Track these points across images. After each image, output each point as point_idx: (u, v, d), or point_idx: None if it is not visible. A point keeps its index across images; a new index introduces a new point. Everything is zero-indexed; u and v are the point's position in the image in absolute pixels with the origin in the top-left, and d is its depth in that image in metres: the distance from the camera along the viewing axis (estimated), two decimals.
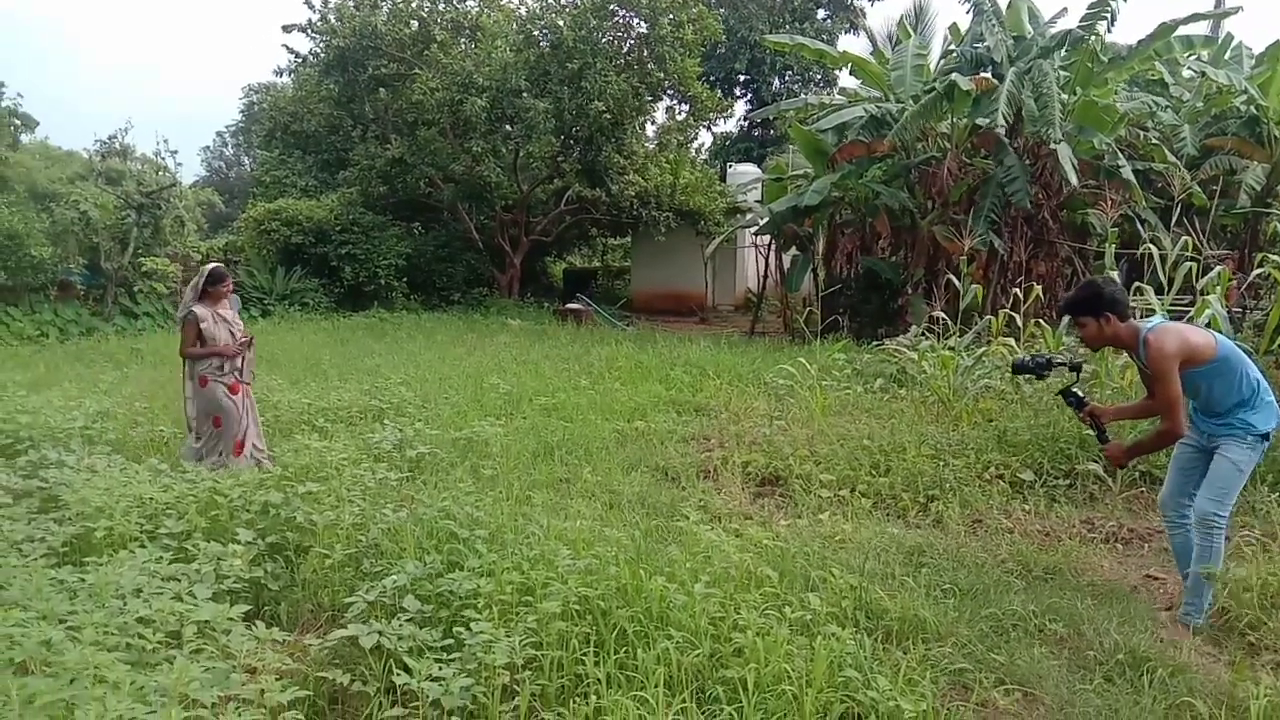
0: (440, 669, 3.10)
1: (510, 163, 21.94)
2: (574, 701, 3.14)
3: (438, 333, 16.39)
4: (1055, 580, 4.77)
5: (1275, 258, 7.89)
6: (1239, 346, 4.40)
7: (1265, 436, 4.27)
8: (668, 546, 4.55)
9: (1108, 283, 4.39)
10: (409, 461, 6.42)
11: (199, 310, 6.49)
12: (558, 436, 7.61)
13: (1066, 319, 4.69)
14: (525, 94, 19.63)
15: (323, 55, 22.68)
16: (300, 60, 24.56)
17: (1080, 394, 4.62)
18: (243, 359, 6.65)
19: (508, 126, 21.24)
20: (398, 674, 3.09)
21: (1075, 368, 4.80)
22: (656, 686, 3.09)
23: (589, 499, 5.86)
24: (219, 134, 53.00)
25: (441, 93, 20.03)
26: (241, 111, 45.89)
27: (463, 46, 21.73)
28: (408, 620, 3.48)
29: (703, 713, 3.09)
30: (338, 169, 24.10)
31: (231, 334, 6.63)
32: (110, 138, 19.54)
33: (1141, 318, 4.50)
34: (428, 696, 2.97)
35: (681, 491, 6.29)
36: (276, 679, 3.06)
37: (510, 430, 7.78)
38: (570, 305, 20.81)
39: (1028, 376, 5.54)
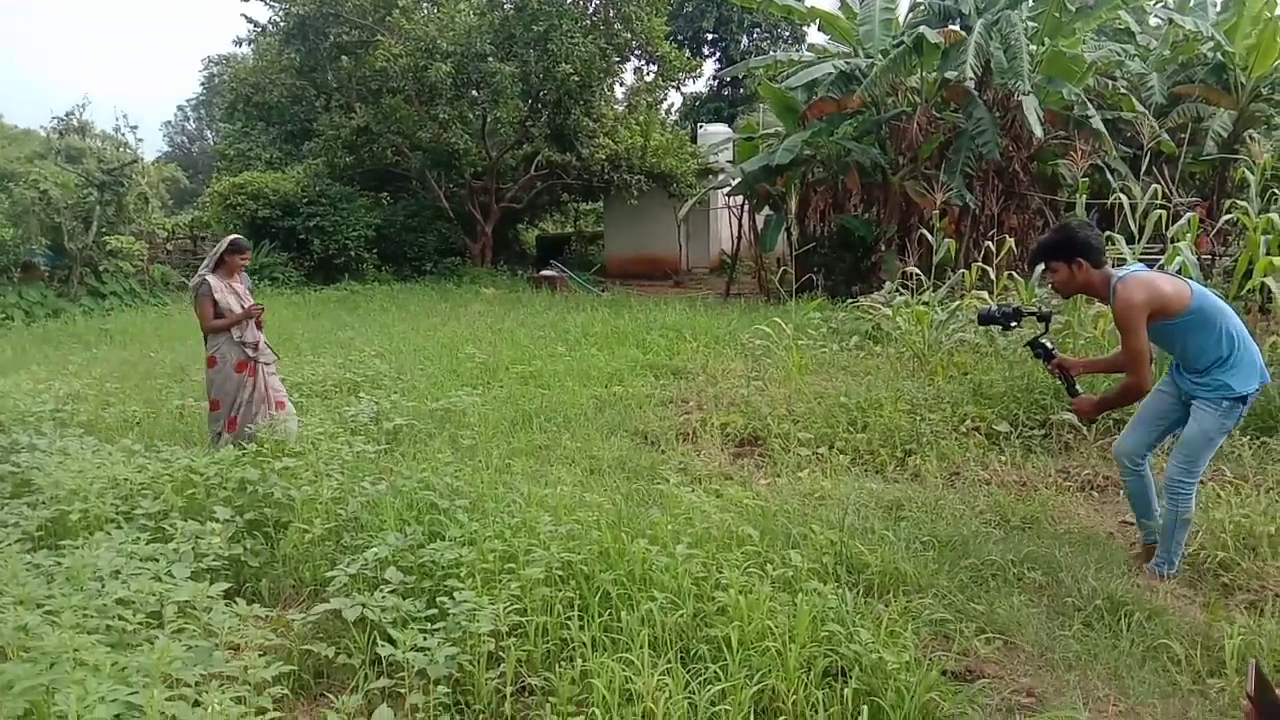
0: (425, 639, 3.09)
1: (478, 129, 21.67)
2: (560, 665, 3.15)
3: (411, 303, 16.26)
4: (1033, 529, 4.82)
5: (1243, 204, 7.94)
6: (1220, 299, 4.21)
7: (1242, 399, 4.08)
8: (649, 509, 4.56)
9: (1081, 226, 4.24)
10: (386, 434, 6.39)
11: (213, 280, 6.26)
12: (536, 404, 7.59)
13: (1040, 265, 4.44)
14: (491, 58, 19.35)
15: (282, 24, 22.23)
16: (260, 30, 24.09)
17: (1049, 345, 4.50)
18: (256, 335, 6.42)
19: (474, 92, 20.95)
20: (382, 645, 3.08)
21: (1044, 318, 4.64)
22: (641, 648, 3.11)
23: (569, 465, 5.85)
24: (180, 108, 52.28)
25: (405, 59, 19.70)
26: (202, 84, 45.15)
27: (425, 11, 21.36)
28: (390, 592, 3.47)
29: (688, 671, 3.11)
30: (302, 140, 23.74)
31: (244, 309, 6.45)
32: (68, 114, 19.12)
33: (1117, 265, 4.43)
34: (413, 666, 2.97)
35: (661, 454, 6.30)
36: (260, 655, 3.05)
37: (488, 399, 7.74)
38: (544, 272, 20.68)
39: (997, 328, 5.32)
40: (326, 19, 20.85)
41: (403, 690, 3.00)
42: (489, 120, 21.42)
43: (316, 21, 20.97)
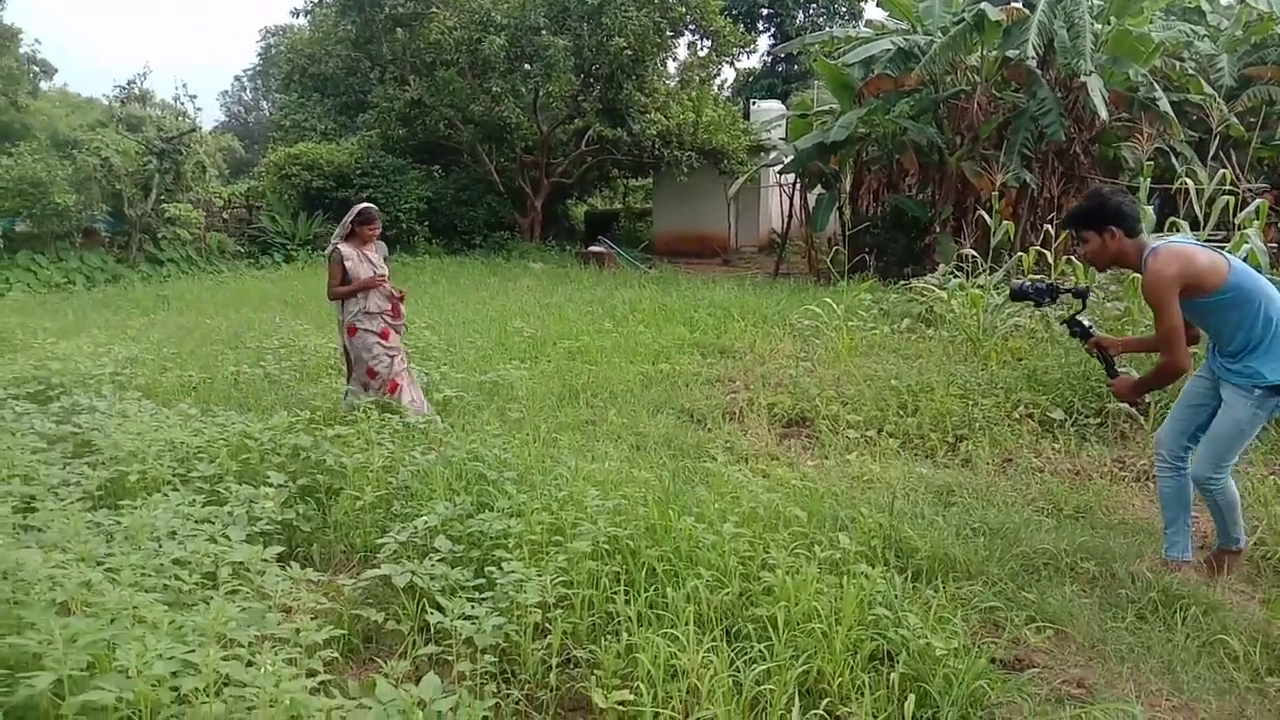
0: (473, 608, 3.12)
1: (530, 103, 21.67)
2: (605, 639, 3.16)
3: (460, 276, 16.37)
4: (1086, 519, 4.73)
5: None
6: (1268, 278, 3.93)
7: (1277, 389, 3.77)
8: (695, 487, 4.55)
9: (1115, 193, 3.97)
10: (436, 404, 6.45)
11: (344, 248, 6.25)
12: (583, 379, 7.61)
13: (1069, 233, 4.15)
14: (544, 31, 19.31)
15: None
16: (317, 1, 24.26)
17: (1086, 323, 4.23)
18: (392, 304, 6.42)
19: (527, 65, 20.92)
20: (430, 613, 3.11)
21: (1080, 294, 4.34)
22: (687, 624, 3.10)
23: (615, 441, 5.86)
24: (237, 78, 52.99)
25: (459, 32, 19.73)
26: (259, 55, 45.68)
27: None
28: (439, 560, 3.50)
29: (733, 650, 3.10)
30: (357, 112, 23.93)
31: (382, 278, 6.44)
32: (129, 83, 19.49)
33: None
34: (461, 635, 3.00)
35: (708, 433, 6.28)
36: (311, 618, 3.10)
37: (535, 373, 7.78)
38: (592, 248, 20.68)
39: (1031, 304, 5.04)
40: None
41: (450, 658, 3.03)
42: (541, 94, 21.40)
43: None
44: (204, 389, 7.21)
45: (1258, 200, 8.19)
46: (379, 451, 4.88)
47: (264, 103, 50.17)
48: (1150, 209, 9.19)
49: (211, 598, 2.98)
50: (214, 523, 3.76)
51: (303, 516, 4.38)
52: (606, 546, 3.62)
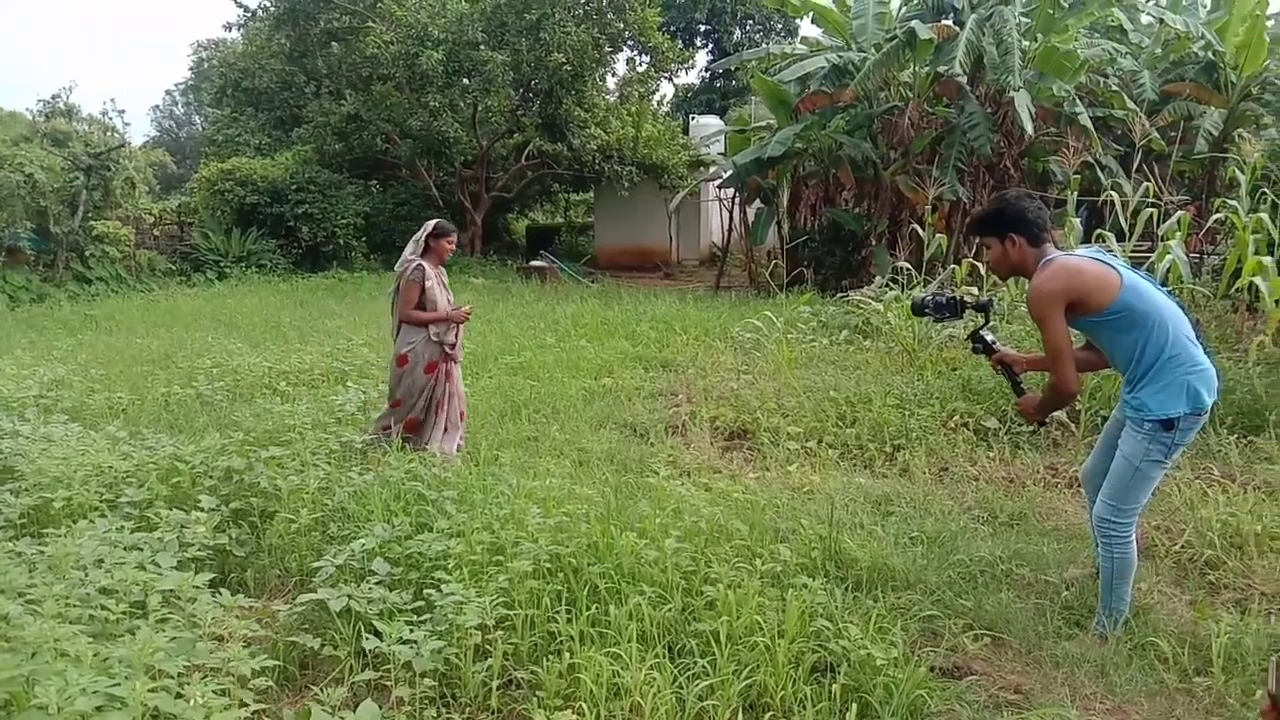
0: (411, 631, 3.07)
1: (469, 117, 21.57)
2: (547, 659, 3.13)
3: None
4: (1021, 526, 4.82)
5: (1233, 203, 7.95)
6: (1170, 297, 3.64)
7: (1168, 424, 3.43)
8: (638, 502, 4.54)
9: (1020, 198, 3.71)
10: (375, 423, 6.34)
11: (427, 267, 5.69)
12: (525, 395, 7.56)
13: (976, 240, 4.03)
14: (482, 46, 19.24)
15: (272, 9, 22.07)
16: (250, 14, 23.91)
17: (990, 338, 3.96)
18: (456, 333, 5.91)
19: (465, 80, 20.82)
20: (368, 638, 3.06)
21: (982, 308, 4.05)
22: (629, 641, 3.10)
23: (558, 457, 5.83)
24: (168, 92, 51.87)
25: (396, 46, 19.58)
26: (191, 69, 44.74)
27: None
28: (377, 583, 3.45)
29: (676, 666, 3.10)
30: (292, 126, 23.58)
31: (449, 303, 5.90)
32: (54, 98, 18.94)
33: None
34: (399, 659, 2.95)
35: (650, 447, 6.28)
36: (244, 646, 3.03)
37: (476, 390, 7.71)
38: (534, 263, 20.62)
39: (930, 319, 4.58)
40: (317, 4, 20.70)
41: (388, 683, 2.98)
42: (480, 109, 21.31)
43: (307, 6, 20.81)
44: (133, 411, 7.01)
45: (1180, 212, 8.47)
46: (315, 473, 4.78)
47: (196, 117, 49.21)
48: (1078, 221, 9.45)
49: (139, 628, 2.89)
50: (143, 550, 3.65)
51: (236, 541, 4.28)
52: (548, 565, 3.59)
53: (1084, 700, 3.18)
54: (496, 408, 7.12)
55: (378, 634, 3.06)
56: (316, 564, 3.71)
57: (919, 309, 4.15)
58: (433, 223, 5.83)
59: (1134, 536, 3.62)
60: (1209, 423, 6.01)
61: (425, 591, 3.37)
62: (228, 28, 30.32)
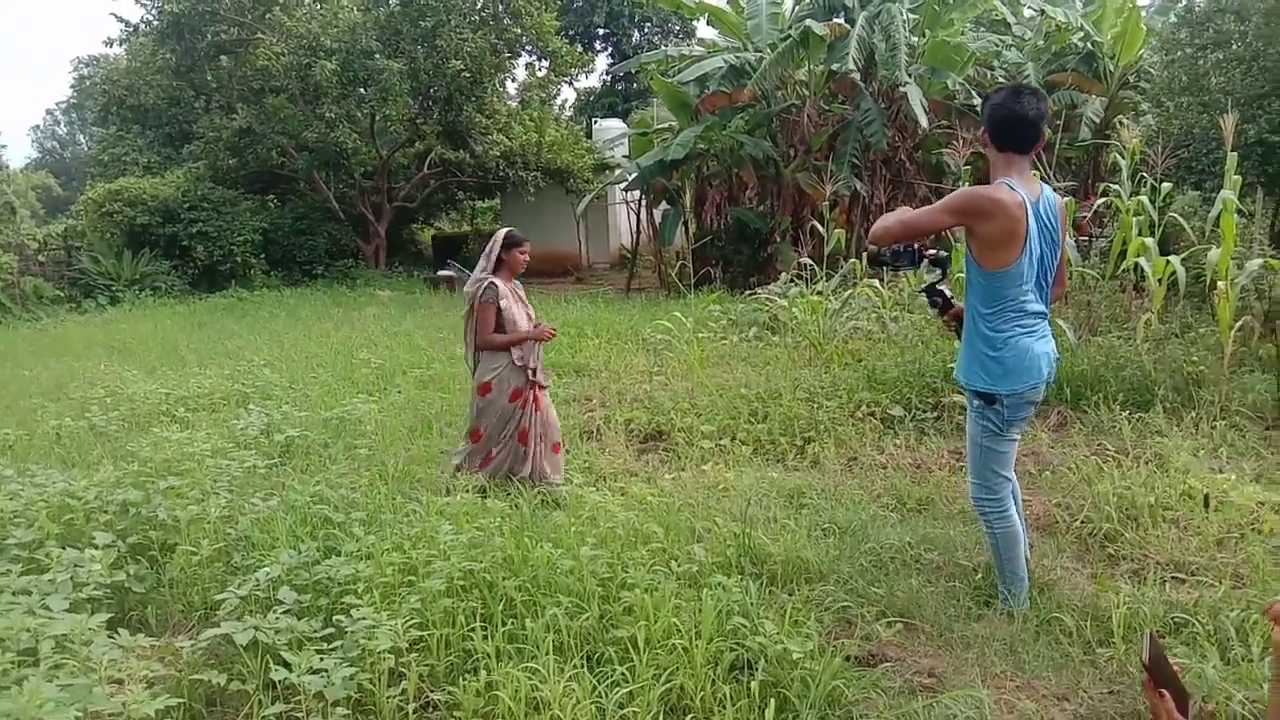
0: (321, 660, 2.99)
1: (367, 127, 21.19)
2: (464, 678, 3.07)
3: (302, 309, 15.80)
4: (928, 510, 4.94)
5: (1115, 187, 8.29)
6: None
7: (990, 399, 3.51)
8: (553, 512, 4.51)
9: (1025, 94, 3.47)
10: (278, 446, 6.16)
11: (500, 284, 5.19)
12: (435, 408, 7.44)
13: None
14: (377, 55, 18.92)
15: (156, 23, 21.25)
16: (132, 29, 23.00)
17: (948, 293, 3.83)
18: (537, 354, 5.41)
19: (361, 90, 20.45)
20: (276, 669, 2.96)
21: (940, 263, 3.84)
22: (547, 654, 3.07)
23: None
24: (49, 111, 49.67)
25: (288, 57, 19.11)
26: (72, 86, 42.87)
27: (307, 7, 20.75)
28: (284, 612, 3.34)
29: (595, 675, 3.08)
30: (182, 143, 22.83)
31: (529, 319, 5.39)
32: None
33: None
34: (310, 689, 2.86)
35: (566, 454, 6.24)
36: (146, 687, 2.90)
37: (385, 406, 7.56)
38: (442, 273, 20.35)
39: (897, 271, 4.38)
40: (203, 17, 20.00)
41: (300, 714, 2.89)
42: (378, 118, 20.96)
43: (192, 20, 20.10)
44: (21, 447, 6.66)
45: (1066, 198, 8.78)
46: (216, 501, 4.62)
47: (81, 136, 47.25)
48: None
49: (28, 677, 2.74)
50: (32, 593, 3.46)
51: (134, 577, 4.09)
52: (462, 582, 3.53)
53: (995, 679, 3.26)
54: (406, 423, 6.99)
55: (287, 665, 2.97)
56: (220, 596, 3.58)
57: (879, 259, 3.91)
58: (503, 232, 5.32)
59: (1010, 509, 3.70)
60: (1103, 400, 6.28)
61: (335, 617, 3.27)
62: (109, 43, 29.12)
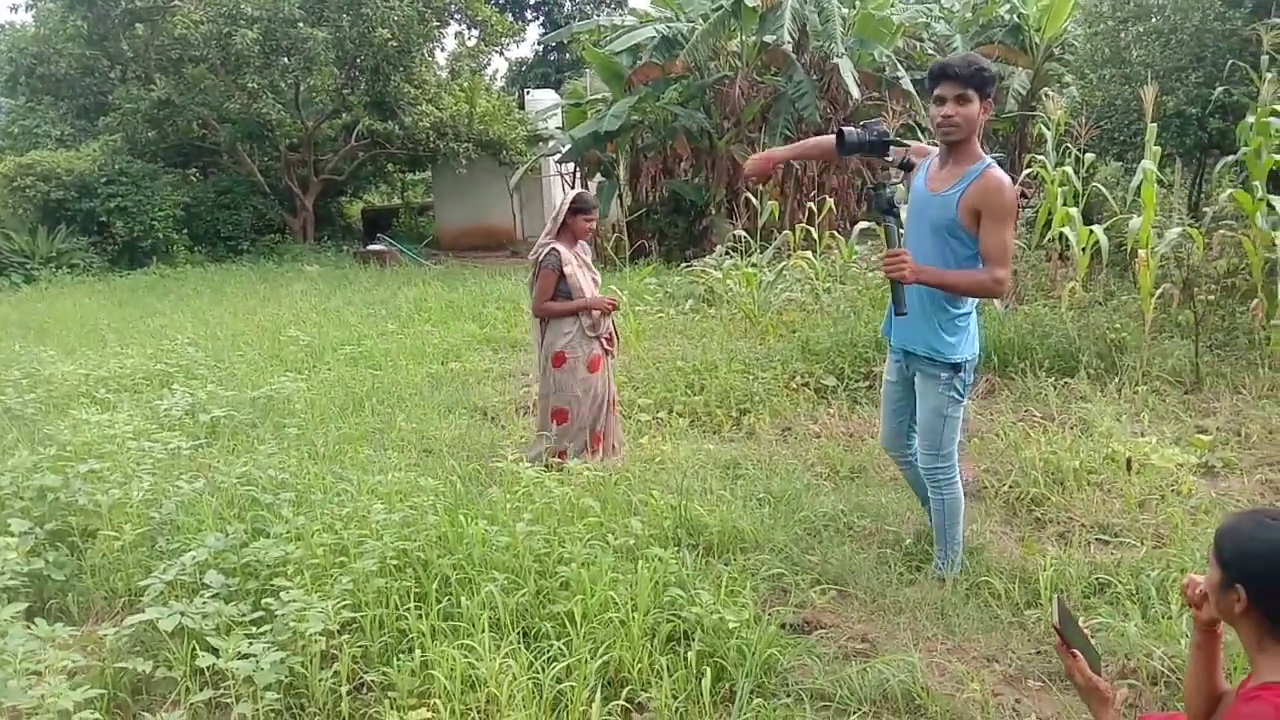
0: (250, 644, 2.92)
1: (291, 98, 20.59)
2: (399, 658, 3.03)
3: (227, 286, 15.38)
4: (860, 478, 5.01)
5: (1041, 158, 8.45)
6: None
7: (957, 367, 3.56)
8: (488, 489, 4.47)
9: None
10: (203, 427, 6.00)
11: (563, 250, 4.99)
12: (367, 386, 7.32)
13: (948, 85, 3.35)
14: (301, 24, 18.36)
15: None
16: None
17: (897, 206, 3.45)
18: (612, 324, 5.20)
19: (285, 59, 19.82)
20: (203, 655, 2.89)
21: (905, 166, 3.61)
22: (483, 632, 3.04)
23: (403, 449, 5.67)
24: None
25: (207, 26, 18.44)
26: None
27: None
28: (212, 596, 3.26)
29: (531, 651, 3.06)
30: (97, 115, 21.91)
31: (595, 284, 5.16)
32: None
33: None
34: (239, 674, 2.80)
35: (501, 430, 6.21)
36: (67, 678, 2.81)
37: (314, 384, 7.41)
38: (371, 246, 19.97)
39: (870, 154, 3.67)
40: None
41: (230, 700, 2.83)
42: (303, 89, 20.40)
43: None
44: None
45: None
46: (139, 485, 4.48)
47: None
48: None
49: None
50: None
51: (54, 565, 3.95)
52: (395, 562, 3.47)
53: (926, 642, 3.33)
54: (337, 401, 6.86)
55: (214, 650, 2.90)
56: (145, 582, 3.47)
57: (856, 146, 3.51)
58: (572, 194, 5.11)
59: (959, 477, 3.77)
60: (1030, 367, 6.43)
61: (264, 601, 3.20)
62: (14, 9, 27.81)
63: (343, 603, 3.17)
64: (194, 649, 3.02)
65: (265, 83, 19.39)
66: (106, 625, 3.46)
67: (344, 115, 21.88)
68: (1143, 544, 3.90)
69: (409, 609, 3.24)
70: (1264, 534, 1.86)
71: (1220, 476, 4.85)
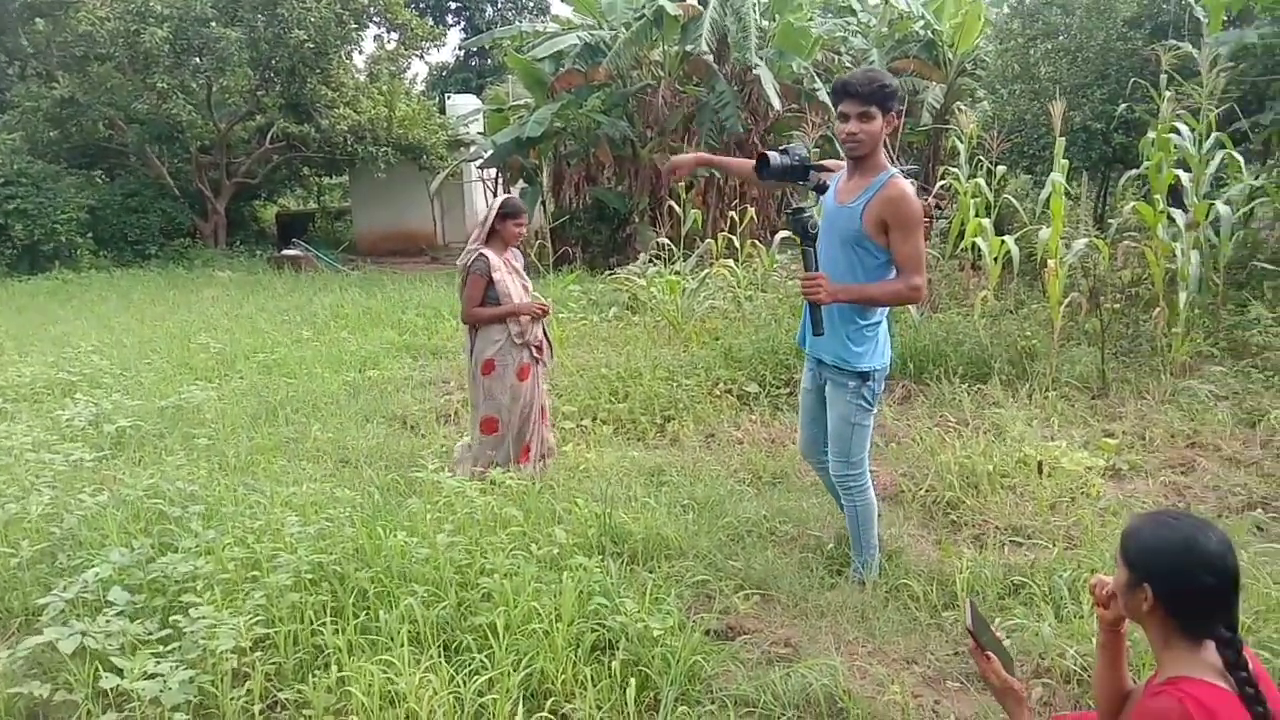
0: (157, 664, 2.80)
1: (203, 99, 20.01)
2: (314, 675, 2.95)
3: (134, 292, 14.85)
4: (783, 484, 5.06)
5: (955, 170, 8.67)
6: None
7: (865, 376, 3.61)
8: (407, 499, 4.37)
9: None
10: (108, 438, 5.76)
11: (491, 256, 4.89)
12: (281, 394, 7.12)
13: (850, 103, 3.43)
14: (213, 23, 17.89)
15: None
16: None
17: (812, 228, 3.44)
18: (544, 332, 5.14)
19: (196, 59, 19.28)
20: (106, 676, 2.76)
21: (821, 189, 3.64)
22: (402, 646, 2.97)
23: (318, 459, 5.53)
24: None
25: (114, 23, 17.82)
26: None
27: None
28: (116, 615, 3.12)
29: (453, 665, 3.00)
30: None
31: (526, 290, 5.07)
32: None
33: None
34: (145, 695, 2.68)
35: (421, 439, 6.11)
36: None
37: (226, 393, 7.19)
38: (286, 252, 19.48)
39: (793, 180, 3.69)
40: None
41: None
42: (215, 90, 19.86)
43: None
44: None
45: (909, 181, 9.13)
46: (37, 499, 4.27)
47: None
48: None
49: None
50: None
51: None
52: (310, 576, 3.38)
53: (848, 646, 3.37)
54: (249, 410, 6.66)
55: (119, 671, 2.77)
56: (43, 600, 3.31)
57: (779, 172, 3.53)
58: (500, 200, 5.01)
59: (870, 483, 3.83)
60: (945, 374, 6.58)
61: (173, 618, 3.08)
62: None
63: (255, 618, 3.07)
64: (97, 670, 2.89)
65: (176, 83, 18.81)
66: (1, 648, 3.30)
67: (258, 117, 21.37)
68: (1054, 545, 4.00)
69: (325, 624, 3.15)
70: (1166, 534, 1.93)
71: (1126, 479, 5.02)
